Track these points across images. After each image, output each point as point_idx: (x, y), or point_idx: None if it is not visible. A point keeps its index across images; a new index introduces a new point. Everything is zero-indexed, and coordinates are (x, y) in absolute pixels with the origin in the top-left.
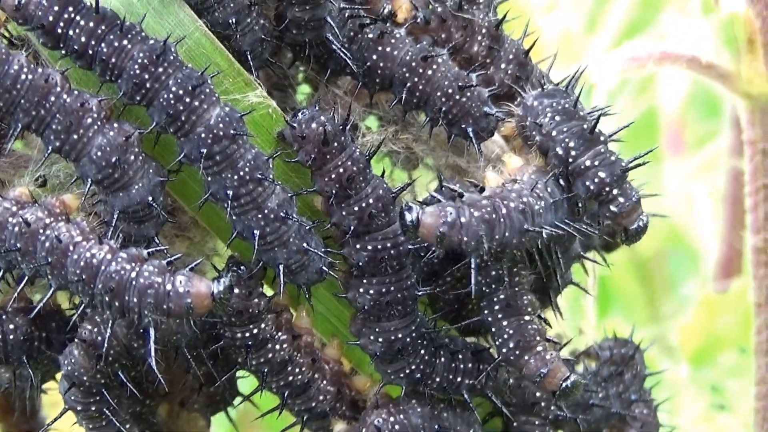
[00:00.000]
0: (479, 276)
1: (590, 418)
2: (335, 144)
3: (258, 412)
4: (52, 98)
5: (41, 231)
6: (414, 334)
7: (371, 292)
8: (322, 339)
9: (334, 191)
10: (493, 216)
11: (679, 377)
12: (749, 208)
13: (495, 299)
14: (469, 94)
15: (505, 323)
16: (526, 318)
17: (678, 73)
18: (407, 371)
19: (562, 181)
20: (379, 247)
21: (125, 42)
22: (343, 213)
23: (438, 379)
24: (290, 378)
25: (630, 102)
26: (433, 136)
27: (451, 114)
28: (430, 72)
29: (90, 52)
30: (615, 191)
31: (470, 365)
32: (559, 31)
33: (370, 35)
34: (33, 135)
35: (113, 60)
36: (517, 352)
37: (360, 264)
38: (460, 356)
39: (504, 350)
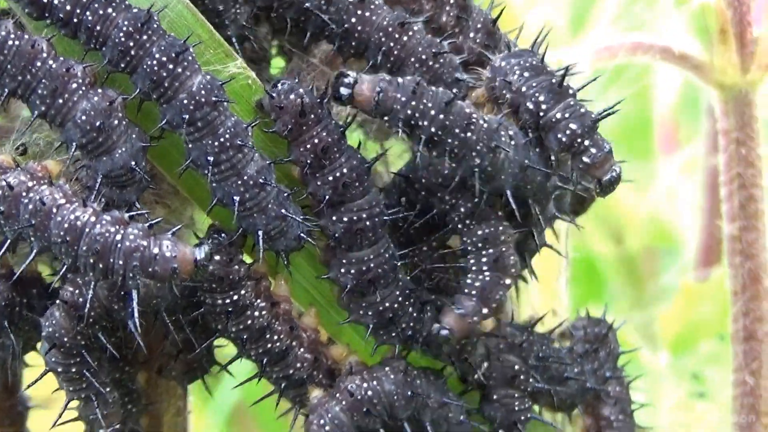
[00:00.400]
0: (465, 237)
1: (566, 391)
2: (312, 115)
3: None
4: (39, 63)
5: (24, 194)
6: (401, 300)
7: (352, 271)
8: (300, 308)
9: (309, 161)
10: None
11: (660, 365)
12: (724, 197)
13: (483, 259)
14: (441, 60)
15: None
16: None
17: (670, 72)
18: (399, 331)
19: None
20: (355, 218)
21: (110, 10)
22: (318, 183)
23: (426, 334)
24: (269, 345)
25: (619, 92)
26: None
27: (424, 80)
28: (405, 38)
29: (75, 20)
30: (587, 142)
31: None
32: (536, 19)
33: None
34: (12, 107)
35: (98, 28)
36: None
37: (336, 235)
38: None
39: None
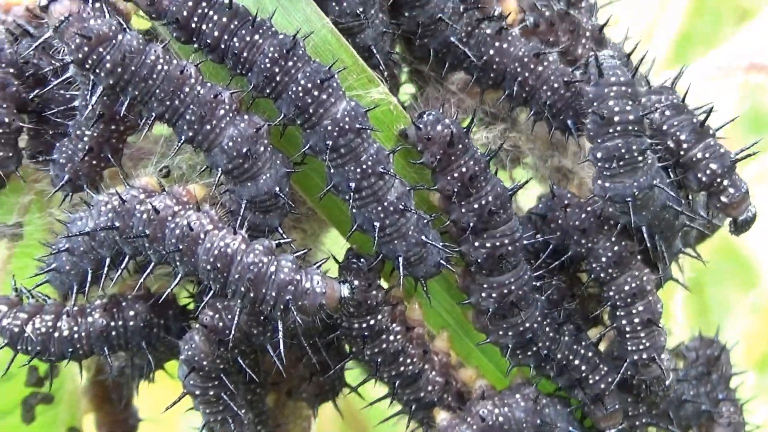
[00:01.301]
0: (610, 290)
1: (682, 414)
2: (459, 146)
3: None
4: (187, 89)
5: (170, 218)
6: (540, 320)
7: (494, 294)
8: (432, 331)
9: (455, 190)
10: None
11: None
12: None
13: (636, 319)
14: (573, 89)
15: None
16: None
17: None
18: (535, 351)
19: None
20: (498, 244)
21: (257, 37)
22: (463, 210)
23: (560, 356)
24: (402, 368)
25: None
26: (536, 137)
27: (555, 108)
28: (540, 68)
29: (222, 46)
30: (726, 182)
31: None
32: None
33: (488, 31)
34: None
35: (245, 54)
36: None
37: (479, 261)
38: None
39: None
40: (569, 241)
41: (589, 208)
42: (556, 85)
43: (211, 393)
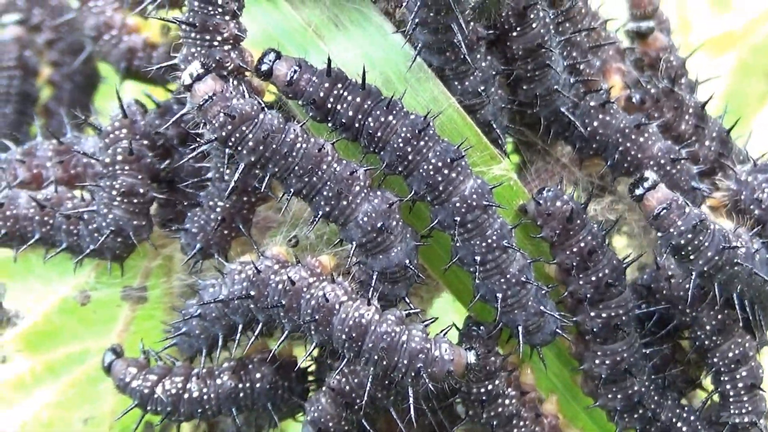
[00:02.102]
0: (714, 356)
1: None
2: (578, 221)
3: None
4: (324, 166)
5: (305, 289)
6: (647, 384)
7: (607, 362)
8: (541, 395)
9: (574, 264)
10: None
11: None
12: None
13: (739, 384)
14: (678, 166)
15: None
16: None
17: None
18: (641, 414)
19: None
20: (613, 314)
21: (390, 117)
22: (581, 282)
23: (663, 418)
24: (515, 430)
25: None
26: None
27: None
28: (642, 139)
29: (357, 125)
30: None
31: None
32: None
33: (592, 103)
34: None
35: (379, 134)
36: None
37: (594, 330)
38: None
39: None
40: (674, 311)
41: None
42: (662, 161)
43: None
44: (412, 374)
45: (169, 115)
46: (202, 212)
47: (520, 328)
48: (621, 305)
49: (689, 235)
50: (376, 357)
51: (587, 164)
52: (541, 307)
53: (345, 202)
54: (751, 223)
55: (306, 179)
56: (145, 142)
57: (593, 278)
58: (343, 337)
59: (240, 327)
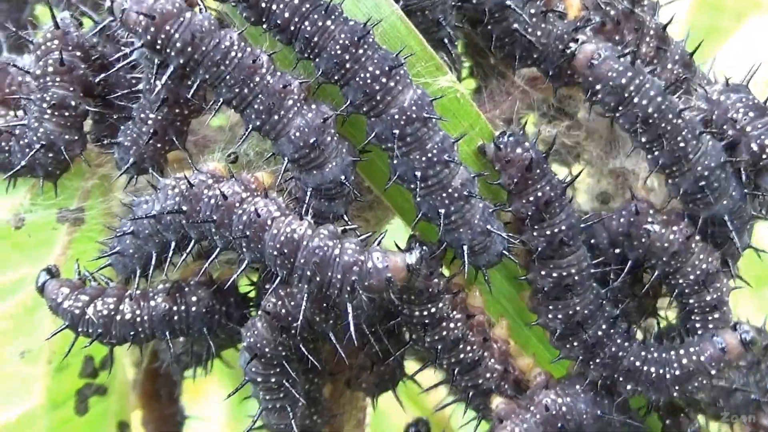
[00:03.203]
0: (692, 301)
1: (732, 402)
2: (538, 171)
3: None
4: (257, 79)
5: (238, 205)
6: (591, 309)
7: (560, 316)
8: (491, 319)
9: (529, 213)
10: None
11: None
12: None
13: (710, 325)
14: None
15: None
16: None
17: None
18: (581, 342)
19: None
20: (565, 273)
21: (329, 23)
22: (534, 234)
23: (608, 350)
24: (461, 355)
25: None
26: (597, 136)
27: None
28: None
29: (292, 28)
30: None
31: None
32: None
33: (532, 11)
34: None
35: (315, 39)
36: None
37: (545, 289)
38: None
39: None
40: (656, 262)
41: (675, 227)
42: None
43: (273, 380)
44: (348, 289)
45: (108, 31)
46: (134, 125)
47: (464, 248)
48: (573, 264)
49: (629, 73)
50: (308, 273)
51: (543, 87)
52: (488, 226)
53: (276, 117)
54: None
55: (237, 90)
56: (78, 53)
57: (547, 232)
58: (275, 253)
59: (173, 245)
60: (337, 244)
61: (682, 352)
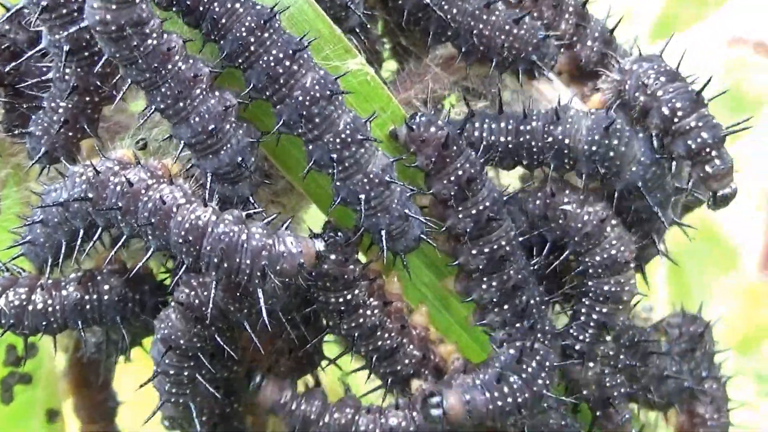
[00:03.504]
0: (592, 285)
1: (663, 389)
2: (455, 147)
3: None
4: (169, 66)
5: (143, 192)
6: (524, 273)
7: (494, 283)
8: (410, 306)
9: (452, 194)
10: None
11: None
12: None
13: (594, 315)
14: (524, 26)
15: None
16: None
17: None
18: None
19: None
20: (495, 247)
21: (237, 5)
22: (460, 216)
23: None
24: (379, 342)
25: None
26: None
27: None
28: (493, 18)
29: (201, 9)
30: (714, 153)
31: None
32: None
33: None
34: (130, 104)
35: (223, 21)
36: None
37: (480, 267)
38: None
39: None
40: (569, 241)
41: (591, 209)
42: (507, 27)
43: (186, 374)
44: (258, 274)
45: (20, 19)
46: (44, 114)
47: (382, 233)
48: (502, 236)
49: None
50: (216, 260)
51: (457, 67)
52: (406, 210)
53: (182, 104)
54: (635, 116)
55: (147, 75)
56: None
57: (473, 211)
58: (180, 240)
59: (81, 233)
60: (243, 229)
61: None
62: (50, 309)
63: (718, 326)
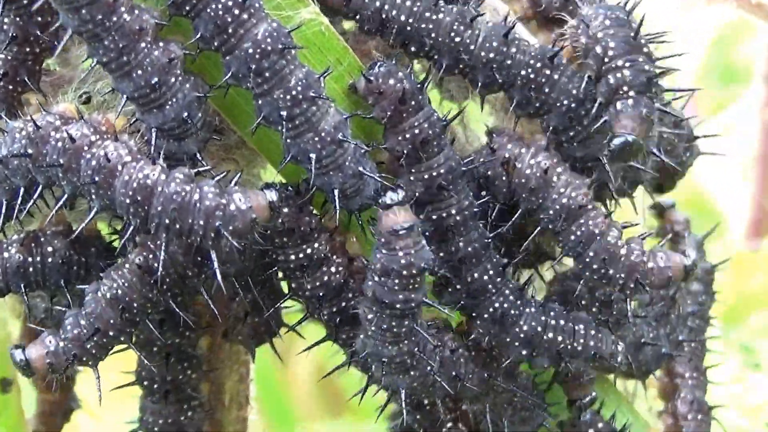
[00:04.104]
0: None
1: (641, 358)
2: (413, 102)
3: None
4: (114, 18)
5: (86, 148)
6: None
7: (441, 254)
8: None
9: (405, 152)
10: None
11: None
12: None
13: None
14: None
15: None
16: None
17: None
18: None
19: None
20: (444, 215)
21: None
22: (411, 178)
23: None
24: (344, 303)
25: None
26: None
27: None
28: None
29: None
30: (631, 93)
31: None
32: None
33: None
34: (72, 57)
35: None
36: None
37: (426, 234)
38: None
39: None
40: (517, 198)
41: (533, 161)
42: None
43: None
44: (212, 235)
45: None
46: None
47: (336, 192)
48: (453, 204)
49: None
50: (167, 221)
51: None
52: (360, 168)
53: (126, 58)
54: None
55: (90, 26)
56: None
57: (425, 176)
58: (127, 201)
59: (21, 191)
60: (195, 188)
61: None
62: None
63: None
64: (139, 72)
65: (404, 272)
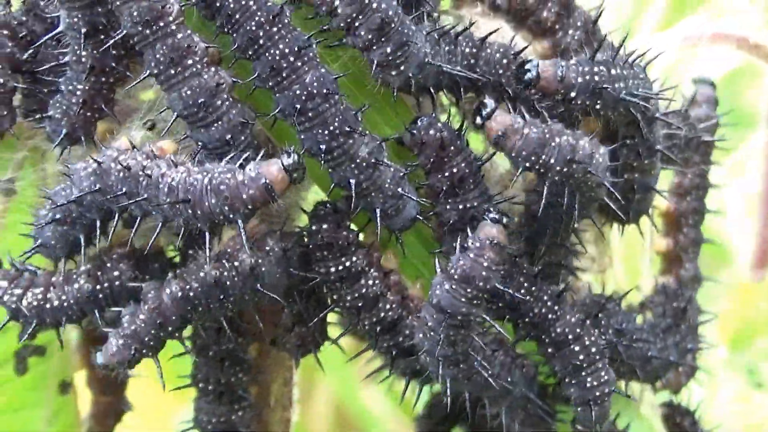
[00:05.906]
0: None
1: (649, 369)
2: (452, 147)
3: None
4: (161, 23)
5: (141, 173)
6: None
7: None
8: (406, 280)
9: (444, 188)
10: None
11: (717, 360)
12: None
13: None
14: None
15: None
16: None
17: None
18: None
19: None
20: None
21: (251, 2)
22: (447, 207)
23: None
24: (382, 314)
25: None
26: None
27: None
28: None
29: (218, 4)
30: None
31: None
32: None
33: None
34: (138, 91)
35: (237, 16)
36: None
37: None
38: None
39: None
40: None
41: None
42: None
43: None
44: (226, 209)
45: (35, 10)
46: (63, 97)
47: (377, 211)
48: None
49: (532, 157)
50: (189, 211)
51: None
52: (399, 190)
53: (173, 71)
54: None
55: (139, 28)
56: (5, 32)
57: (460, 206)
58: (166, 206)
59: (98, 223)
60: (207, 175)
61: None
62: (65, 304)
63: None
64: (187, 90)
65: (480, 284)
